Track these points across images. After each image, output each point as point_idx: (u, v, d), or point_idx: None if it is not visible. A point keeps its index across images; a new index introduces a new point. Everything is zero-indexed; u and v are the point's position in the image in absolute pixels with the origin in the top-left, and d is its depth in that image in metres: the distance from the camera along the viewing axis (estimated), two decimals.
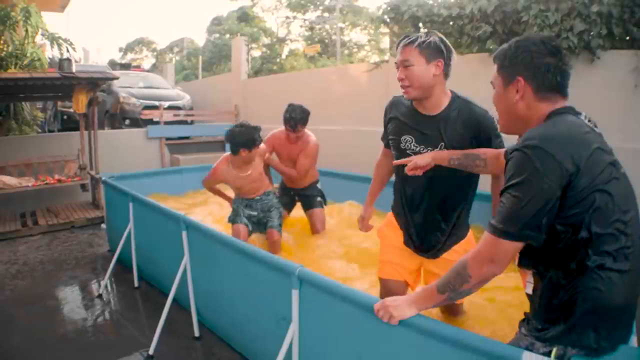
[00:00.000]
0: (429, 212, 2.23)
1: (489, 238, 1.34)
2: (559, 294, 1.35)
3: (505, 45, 1.54)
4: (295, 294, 2.09)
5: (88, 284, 4.17)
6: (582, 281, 1.29)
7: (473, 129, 2.09)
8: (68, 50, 6.90)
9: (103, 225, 5.84)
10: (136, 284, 3.99)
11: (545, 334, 1.39)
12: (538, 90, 1.44)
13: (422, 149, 2.16)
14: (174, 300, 3.15)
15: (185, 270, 3.10)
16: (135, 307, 3.75)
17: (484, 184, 2.35)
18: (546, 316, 1.41)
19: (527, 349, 1.39)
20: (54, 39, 6.54)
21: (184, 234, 3.08)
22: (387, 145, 2.52)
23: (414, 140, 2.20)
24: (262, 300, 2.50)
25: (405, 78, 2.06)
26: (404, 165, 2.13)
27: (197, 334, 3.11)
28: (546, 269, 1.38)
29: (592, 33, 4.57)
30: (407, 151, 2.22)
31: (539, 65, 1.42)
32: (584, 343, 1.31)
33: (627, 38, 4.60)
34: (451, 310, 2.53)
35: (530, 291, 1.48)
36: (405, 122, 2.24)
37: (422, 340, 1.60)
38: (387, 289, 2.37)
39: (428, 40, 2.03)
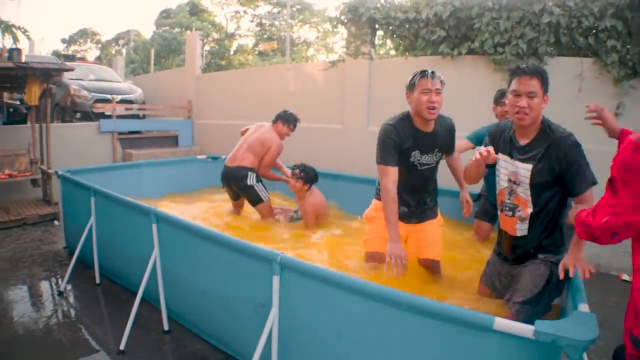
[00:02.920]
0: (420, 193, 3.01)
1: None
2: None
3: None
4: (276, 280, 2.20)
5: (47, 281, 4.09)
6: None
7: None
8: (24, 38, 6.58)
9: (56, 222, 5.71)
10: (97, 281, 3.94)
11: (553, 253, 2.28)
12: None
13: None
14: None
15: (154, 265, 3.12)
16: (98, 304, 3.71)
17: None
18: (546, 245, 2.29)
19: (550, 267, 2.23)
20: (7, 27, 6.22)
21: (154, 226, 3.10)
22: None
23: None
24: (239, 289, 2.58)
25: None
26: (409, 166, 2.88)
27: (166, 327, 3.14)
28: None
29: (540, 40, 4.92)
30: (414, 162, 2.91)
31: None
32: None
33: (573, 46, 4.97)
34: (433, 269, 3.07)
35: (523, 233, 2.33)
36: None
37: (399, 314, 1.79)
38: (372, 257, 3.03)
39: None
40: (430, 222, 3.06)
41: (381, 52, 7.28)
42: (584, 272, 2.00)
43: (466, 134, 3.92)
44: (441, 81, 2.74)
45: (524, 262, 2.35)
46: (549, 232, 2.29)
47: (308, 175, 4.35)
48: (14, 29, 6.21)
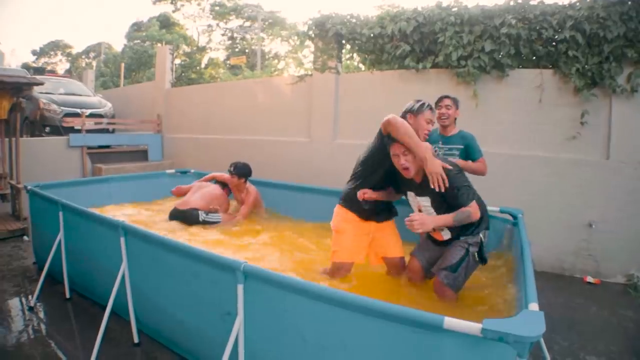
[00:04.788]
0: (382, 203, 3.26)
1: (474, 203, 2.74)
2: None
3: None
4: (240, 288, 2.27)
5: (17, 297, 4.06)
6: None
7: None
8: None
9: (26, 237, 5.65)
10: (67, 296, 3.94)
11: (471, 234, 2.85)
12: None
13: None
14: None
15: (123, 277, 3.14)
16: (68, 319, 3.70)
17: None
18: (464, 229, 2.84)
19: (467, 247, 2.82)
20: None
21: (122, 240, 3.13)
22: None
23: None
24: (205, 299, 2.63)
25: None
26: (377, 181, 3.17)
27: (136, 340, 3.16)
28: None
29: (501, 53, 5.13)
30: None
31: None
32: (487, 227, 2.91)
33: (534, 57, 5.20)
34: (400, 266, 3.36)
35: (448, 237, 2.94)
36: None
37: (357, 316, 1.90)
38: (341, 269, 3.24)
39: None
40: (389, 222, 3.39)
41: (349, 65, 7.44)
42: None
43: None
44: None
45: (450, 244, 2.93)
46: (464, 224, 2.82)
47: (240, 170, 5.01)
48: None
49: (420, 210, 2.97)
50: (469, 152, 3.85)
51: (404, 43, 5.75)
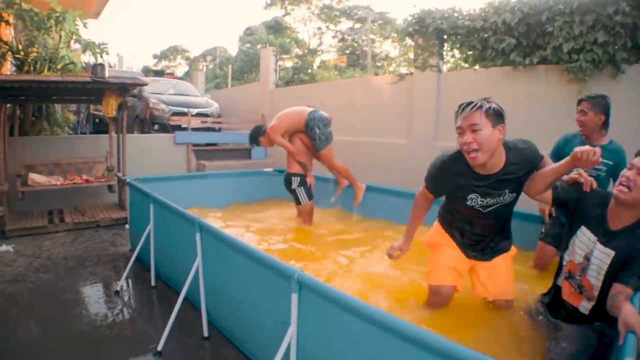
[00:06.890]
0: (488, 235, 2.65)
1: None
2: None
3: None
4: (294, 297, 2.13)
5: (107, 281, 4.29)
6: None
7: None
8: (102, 56, 7.15)
9: (127, 226, 6.02)
10: (153, 283, 4.09)
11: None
12: None
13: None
14: (188, 300, 3.25)
15: (197, 271, 3.18)
16: (150, 305, 3.86)
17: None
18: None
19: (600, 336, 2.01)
20: (87, 45, 6.77)
21: (198, 235, 3.17)
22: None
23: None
24: (263, 303, 2.55)
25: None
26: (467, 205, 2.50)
27: (206, 334, 3.16)
28: None
29: (616, 46, 4.49)
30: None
31: None
32: None
33: None
34: (504, 307, 2.72)
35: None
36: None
37: (420, 354, 1.57)
38: (439, 293, 2.66)
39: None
40: (501, 256, 2.75)
41: (455, 62, 7.05)
42: None
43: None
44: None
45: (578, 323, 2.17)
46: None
47: (255, 132, 5.27)
48: (93, 46, 6.73)
49: (587, 259, 2.19)
50: (617, 172, 3.08)
51: (509, 36, 5.27)
